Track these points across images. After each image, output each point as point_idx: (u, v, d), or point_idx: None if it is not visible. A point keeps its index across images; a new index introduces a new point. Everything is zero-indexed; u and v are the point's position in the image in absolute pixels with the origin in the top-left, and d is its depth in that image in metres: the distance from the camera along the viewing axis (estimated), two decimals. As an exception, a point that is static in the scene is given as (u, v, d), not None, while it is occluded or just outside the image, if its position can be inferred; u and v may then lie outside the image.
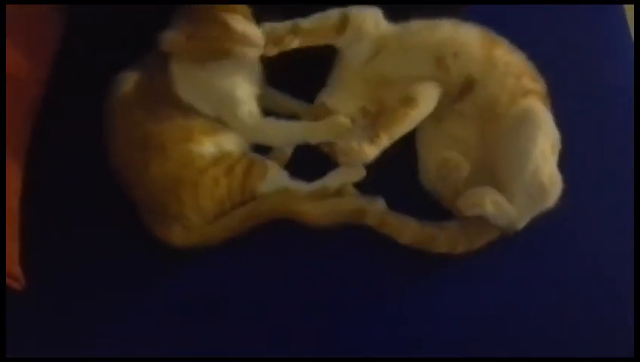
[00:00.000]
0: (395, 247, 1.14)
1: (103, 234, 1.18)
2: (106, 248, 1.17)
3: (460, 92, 1.18)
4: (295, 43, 1.18)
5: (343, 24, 1.20)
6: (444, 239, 1.14)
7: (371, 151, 1.13)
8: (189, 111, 1.15)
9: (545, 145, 1.12)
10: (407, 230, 1.14)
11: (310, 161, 1.20)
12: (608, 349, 1.08)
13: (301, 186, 1.17)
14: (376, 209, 1.15)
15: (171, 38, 1.11)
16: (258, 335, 1.11)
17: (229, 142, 1.18)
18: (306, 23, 1.19)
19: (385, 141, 1.14)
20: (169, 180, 1.13)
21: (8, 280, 1.09)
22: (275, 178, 1.17)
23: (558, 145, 1.15)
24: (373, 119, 1.19)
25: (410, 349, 1.09)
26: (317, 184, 1.18)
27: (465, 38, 1.19)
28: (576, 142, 1.16)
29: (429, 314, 1.12)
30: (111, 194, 1.16)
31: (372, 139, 1.13)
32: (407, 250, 1.14)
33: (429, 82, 1.18)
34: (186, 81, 1.15)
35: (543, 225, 1.14)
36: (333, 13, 1.20)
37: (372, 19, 1.21)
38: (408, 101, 1.16)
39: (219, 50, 1.12)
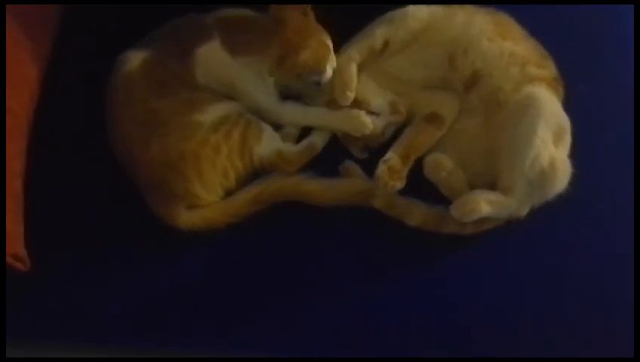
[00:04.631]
0: (401, 231, 1.15)
1: (107, 216, 1.17)
2: (110, 230, 1.16)
3: (466, 86, 1.19)
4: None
5: (384, 48, 1.21)
6: (452, 220, 1.14)
7: (402, 181, 1.16)
8: (200, 89, 1.16)
9: (546, 131, 1.12)
10: (417, 211, 1.15)
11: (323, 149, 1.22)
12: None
13: (291, 147, 1.20)
14: (384, 191, 1.15)
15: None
16: (264, 317, 1.11)
17: (230, 104, 1.18)
18: (355, 52, 1.19)
19: (413, 159, 1.18)
20: (170, 156, 1.12)
21: (14, 262, 1.08)
22: (269, 139, 1.18)
23: (566, 131, 1.16)
24: (401, 116, 1.20)
25: (416, 331, 1.10)
26: (304, 143, 1.21)
27: (476, 30, 1.19)
28: (588, 128, 1.16)
29: (435, 296, 1.13)
30: (115, 175, 1.15)
31: (403, 160, 1.16)
32: (413, 233, 1.14)
33: (450, 95, 1.21)
34: (209, 67, 1.16)
35: (552, 209, 1.15)
36: (377, 39, 1.20)
37: (409, 30, 1.20)
38: (434, 120, 1.20)
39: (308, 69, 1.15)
